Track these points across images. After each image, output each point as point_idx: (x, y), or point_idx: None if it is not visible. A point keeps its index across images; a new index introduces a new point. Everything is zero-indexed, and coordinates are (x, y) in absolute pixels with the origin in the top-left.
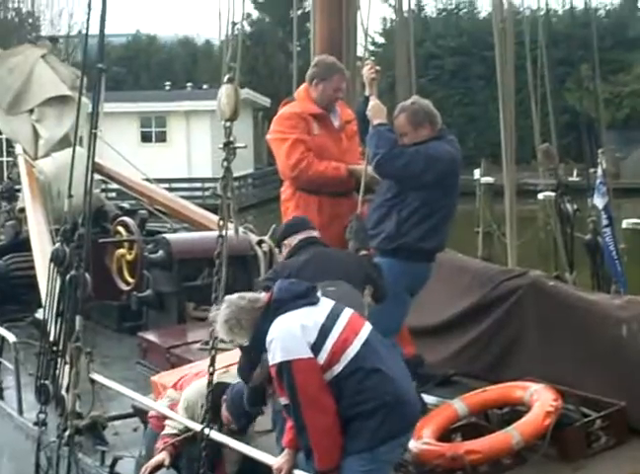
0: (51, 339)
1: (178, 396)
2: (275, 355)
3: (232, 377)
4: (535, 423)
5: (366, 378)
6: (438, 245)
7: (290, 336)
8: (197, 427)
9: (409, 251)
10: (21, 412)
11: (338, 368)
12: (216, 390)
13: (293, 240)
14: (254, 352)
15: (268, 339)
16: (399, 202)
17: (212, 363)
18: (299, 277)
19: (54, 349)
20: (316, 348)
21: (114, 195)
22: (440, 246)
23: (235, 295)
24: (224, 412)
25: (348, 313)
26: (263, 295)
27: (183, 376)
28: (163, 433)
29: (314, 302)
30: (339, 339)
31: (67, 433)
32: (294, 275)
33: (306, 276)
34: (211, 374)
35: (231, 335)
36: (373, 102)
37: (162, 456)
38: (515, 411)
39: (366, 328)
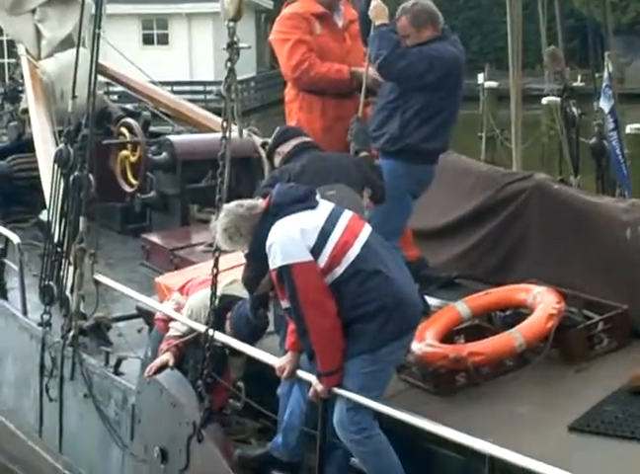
0: (55, 240)
1: (183, 301)
2: (275, 259)
3: (238, 290)
4: (538, 325)
5: (367, 280)
6: (441, 146)
7: (290, 240)
8: (201, 328)
9: (412, 152)
10: (25, 312)
11: (339, 271)
12: (221, 303)
13: (287, 147)
14: (255, 258)
15: (267, 243)
16: (402, 104)
17: (216, 265)
18: (298, 182)
19: (58, 250)
20: (316, 251)
21: (116, 98)
22: (444, 147)
23: (233, 203)
24: (228, 328)
25: (347, 216)
26: (260, 202)
27: (189, 280)
28: (168, 334)
29: (313, 206)
30: (339, 241)
31: (71, 333)
32: (293, 180)
33: (305, 181)
34: (215, 276)
35: (231, 243)
36: (375, 2)
37: (166, 357)
38: (517, 313)
39: (366, 230)
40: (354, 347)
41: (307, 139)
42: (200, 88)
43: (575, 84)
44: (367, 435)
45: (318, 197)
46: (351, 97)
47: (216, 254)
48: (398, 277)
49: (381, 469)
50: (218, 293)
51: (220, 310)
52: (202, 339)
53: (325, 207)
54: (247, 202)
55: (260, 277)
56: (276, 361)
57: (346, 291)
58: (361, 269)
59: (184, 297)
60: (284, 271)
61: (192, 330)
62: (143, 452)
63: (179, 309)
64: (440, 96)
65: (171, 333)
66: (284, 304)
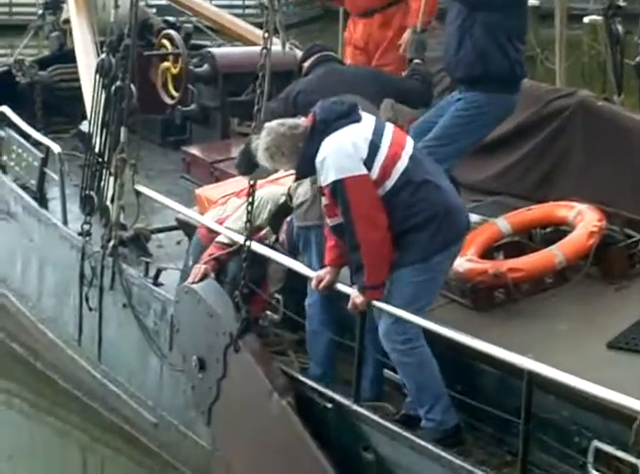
0: (96, 150)
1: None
2: (328, 175)
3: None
4: (579, 242)
5: (417, 190)
6: (520, 73)
7: (343, 153)
8: (240, 239)
9: (493, 82)
10: (65, 222)
11: (390, 183)
12: (282, 207)
13: (309, 62)
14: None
15: (319, 159)
16: (469, 27)
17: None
18: (307, 94)
19: (99, 160)
20: (368, 163)
21: (154, 11)
22: (523, 73)
23: (274, 122)
24: (282, 235)
25: (390, 128)
26: (303, 120)
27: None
28: (216, 239)
29: (358, 119)
30: (389, 153)
31: (111, 243)
32: (302, 92)
33: (315, 92)
34: (252, 186)
35: (272, 162)
36: None
37: (204, 268)
38: (558, 230)
39: (410, 142)
40: (405, 257)
41: (327, 53)
42: (239, 2)
43: (619, 3)
44: (412, 346)
45: (361, 110)
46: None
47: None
48: (445, 186)
49: (423, 382)
50: (284, 192)
51: (280, 213)
52: (241, 249)
53: (369, 120)
54: (289, 122)
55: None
56: (314, 275)
57: (397, 203)
58: (411, 179)
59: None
60: (339, 185)
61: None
62: (181, 362)
63: (222, 221)
64: (512, 15)
65: (220, 239)
66: (332, 222)
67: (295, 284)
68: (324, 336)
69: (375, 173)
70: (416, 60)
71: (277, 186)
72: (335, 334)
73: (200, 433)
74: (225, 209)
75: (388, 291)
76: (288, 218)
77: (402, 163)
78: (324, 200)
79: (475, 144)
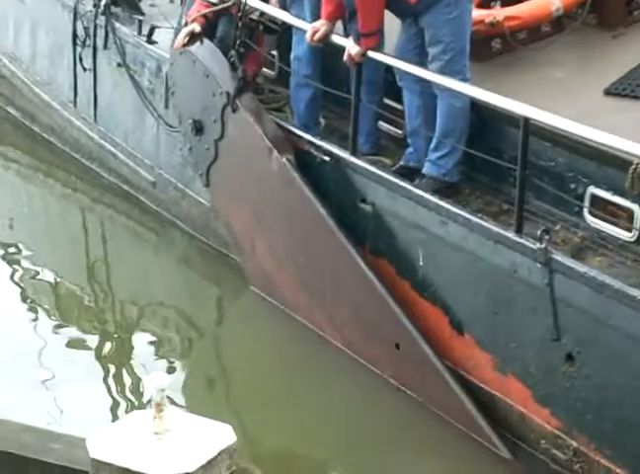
0: None
1: None
2: None
3: None
4: None
5: None
6: None
7: None
8: None
9: None
10: None
11: None
12: None
13: None
14: None
15: None
16: None
17: None
18: None
19: None
20: None
21: None
22: None
23: None
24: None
25: None
26: None
27: None
28: None
29: None
30: None
31: (103, 1)
32: None
33: None
34: None
35: None
36: None
37: (193, 26)
38: None
39: None
40: None
41: None
42: None
43: None
44: None
45: None
46: None
47: None
48: None
49: (454, 127)
50: None
51: None
52: (237, 6)
53: None
54: None
55: None
56: (309, 27)
57: None
58: None
59: None
60: None
61: None
62: (178, 123)
63: None
64: None
65: None
66: None
67: (289, 40)
68: (308, 89)
69: None
70: None
71: None
72: (321, 86)
73: (198, 190)
74: None
75: None
76: None
77: None
78: None
79: None
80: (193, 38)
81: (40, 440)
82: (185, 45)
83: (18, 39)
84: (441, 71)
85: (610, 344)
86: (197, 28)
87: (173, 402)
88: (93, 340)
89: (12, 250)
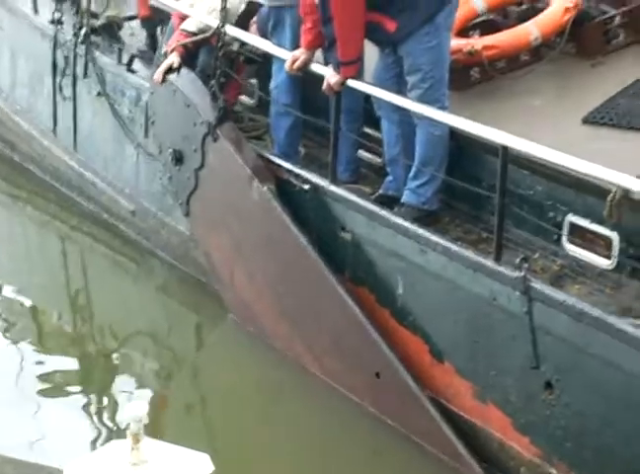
0: None
1: None
2: None
3: None
4: (554, 18)
5: None
6: None
7: None
8: (214, 24)
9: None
10: (36, 11)
11: None
12: (248, 7)
13: None
14: None
15: None
16: None
17: None
18: None
19: None
20: None
21: None
22: None
23: None
24: (252, 27)
25: None
26: None
27: None
28: (181, 27)
29: None
30: None
31: (83, 31)
32: None
33: None
34: None
35: None
36: None
37: (172, 59)
38: (534, 7)
39: None
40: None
41: None
42: None
43: None
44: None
45: None
46: None
47: None
48: None
49: (434, 155)
50: None
51: (245, 15)
52: (217, 36)
53: None
54: None
55: None
56: (289, 56)
57: None
58: None
59: None
60: None
61: (205, 29)
62: (158, 152)
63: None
64: None
65: (184, 26)
66: None
67: (269, 69)
68: (288, 118)
69: None
70: None
71: None
72: (300, 114)
73: (178, 219)
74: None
75: None
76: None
77: None
78: None
79: None
80: (171, 70)
81: (21, 473)
82: (163, 80)
83: None
84: (421, 99)
85: (590, 372)
86: (175, 62)
87: (150, 431)
88: (71, 368)
89: None
